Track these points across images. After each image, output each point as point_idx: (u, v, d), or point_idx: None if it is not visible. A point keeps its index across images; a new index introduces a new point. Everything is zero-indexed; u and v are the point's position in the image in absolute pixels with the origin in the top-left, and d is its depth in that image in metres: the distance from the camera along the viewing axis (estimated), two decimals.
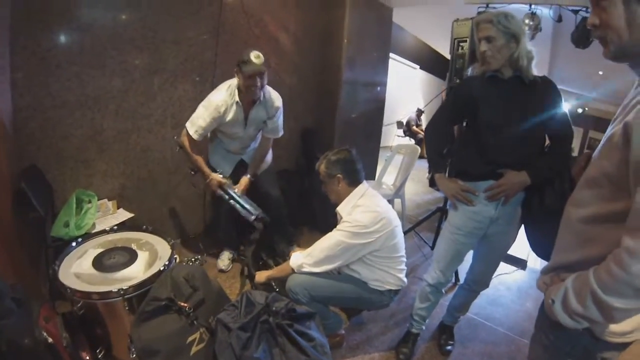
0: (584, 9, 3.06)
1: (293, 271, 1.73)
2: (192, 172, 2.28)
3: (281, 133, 2.42)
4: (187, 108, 2.60)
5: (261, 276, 1.84)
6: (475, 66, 1.71)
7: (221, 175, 2.25)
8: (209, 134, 2.28)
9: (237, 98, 2.12)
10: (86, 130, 2.21)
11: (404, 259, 1.85)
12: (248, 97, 2.12)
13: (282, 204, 2.58)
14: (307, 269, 1.70)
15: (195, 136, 2.12)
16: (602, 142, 0.88)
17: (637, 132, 0.72)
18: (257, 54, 2.00)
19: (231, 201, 2.24)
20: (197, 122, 2.11)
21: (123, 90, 2.29)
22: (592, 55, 4.19)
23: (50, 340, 1.28)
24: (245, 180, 2.33)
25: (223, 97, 2.11)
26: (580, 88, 8.90)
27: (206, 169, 2.21)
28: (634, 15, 0.74)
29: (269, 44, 2.97)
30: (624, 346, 0.90)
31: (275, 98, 2.28)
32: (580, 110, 9.97)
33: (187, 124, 2.14)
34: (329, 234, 1.71)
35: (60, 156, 2.15)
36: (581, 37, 3.19)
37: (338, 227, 1.71)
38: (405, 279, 1.84)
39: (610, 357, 0.92)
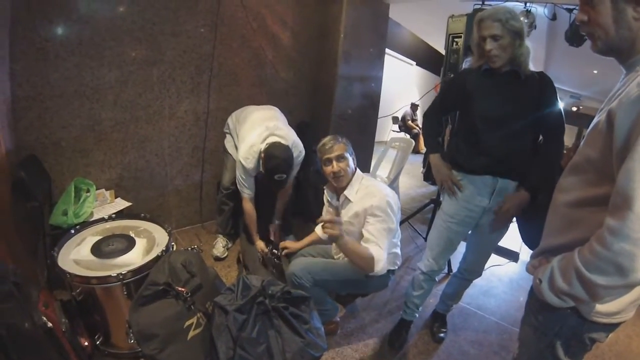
0: (578, 7, 3.10)
1: (370, 271, 1.61)
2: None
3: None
4: (184, 99, 2.64)
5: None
6: (469, 59, 1.74)
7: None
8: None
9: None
10: (84, 120, 2.23)
11: (400, 235, 1.88)
12: None
13: (290, 194, 2.63)
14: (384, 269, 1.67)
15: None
16: (587, 131, 0.92)
17: (619, 118, 0.75)
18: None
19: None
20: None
21: (121, 81, 2.31)
22: (586, 53, 4.23)
23: (49, 325, 1.29)
24: (274, 227, 2.46)
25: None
26: (574, 86, 8.98)
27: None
28: (621, 13, 0.78)
29: (266, 37, 2.99)
30: (611, 327, 0.93)
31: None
32: (574, 109, 10.04)
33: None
34: (374, 229, 1.64)
35: (58, 146, 2.17)
36: (575, 36, 3.23)
37: (372, 219, 1.66)
38: (400, 255, 1.88)
39: (597, 338, 0.95)
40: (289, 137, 2.24)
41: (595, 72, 6.71)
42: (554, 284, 0.85)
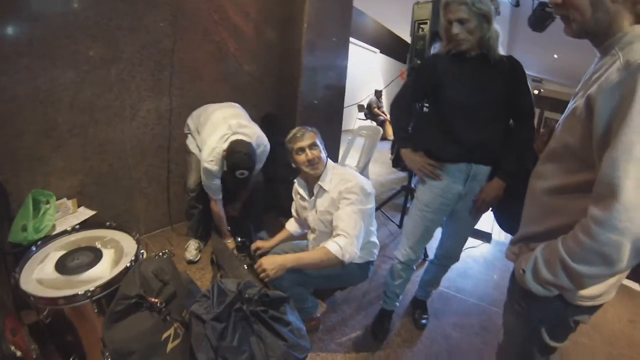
0: None
1: (341, 263, 1.56)
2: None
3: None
4: (145, 98, 2.51)
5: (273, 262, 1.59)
6: (437, 45, 1.73)
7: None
8: None
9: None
10: (39, 126, 2.07)
11: (376, 224, 1.88)
12: None
13: (262, 189, 2.63)
14: (358, 252, 1.61)
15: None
16: (563, 116, 0.90)
17: (599, 104, 0.74)
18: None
19: None
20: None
21: (77, 82, 2.16)
22: (547, 39, 4.39)
23: (18, 354, 1.22)
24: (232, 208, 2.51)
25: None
26: (536, 71, 9.30)
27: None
28: None
29: (228, 30, 2.89)
30: (594, 309, 0.95)
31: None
32: (536, 92, 10.42)
33: None
34: (344, 212, 1.62)
35: (13, 156, 2.01)
36: (538, 21, 3.31)
37: (344, 202, 1.64)
38: (378, 244, 1.88)
39: (581, 320, 0.96)
40: (253, 133, 2.22)
41: (555, 56, 6.96)
42: (539, 274, 0.84)
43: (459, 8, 1.48)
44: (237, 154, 2.01)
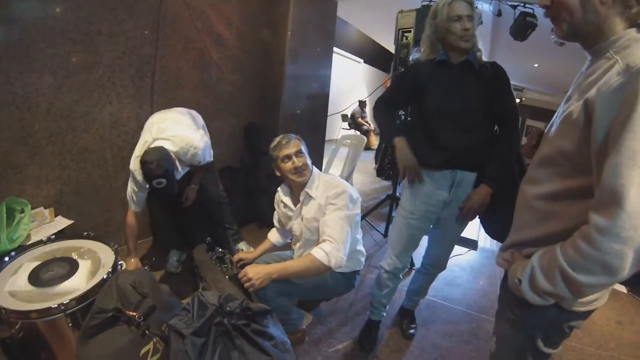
0: (522, 4, 3.25)
1: (328, 269, 1.54)
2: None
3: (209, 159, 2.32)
4: (125, 105, 2.45)
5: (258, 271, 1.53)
6: (417, 49, 1.72)
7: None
8: None
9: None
10: (15, 133, 1.99)
11: (361, 233, 1.85)
12: None
13: (223, 200, 2.57)
14: (345, 258, 1.57)
15: None
16: (557, 121, 0.88)
17: (599, 108, 0.72)
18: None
19: None
20: None
21: (55, 87, 2.09)
22: (528, 48, 4.49)
23: None
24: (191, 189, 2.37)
25: None
26: (517, 79, 9.51)
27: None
28: None
29: (211, 37, 2.86)
30: (588, 314, 0.93)
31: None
32: (517, 100, 10.65)
33: None
34: (330, 218, 1.60)
35: None
36: (519, 31, 3.39)
37: (331, 207, 1.62)
38: (364, 252, 1.85)
39: (576, 325, 0.95)
40: (178, 137, 2.05)
41: (536, 65, 7.12)
42: (536, 284, 0.81)
43: (465, 6, 1.50)
44: (144, 166, 1.89)
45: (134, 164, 2.01)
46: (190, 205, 2.40)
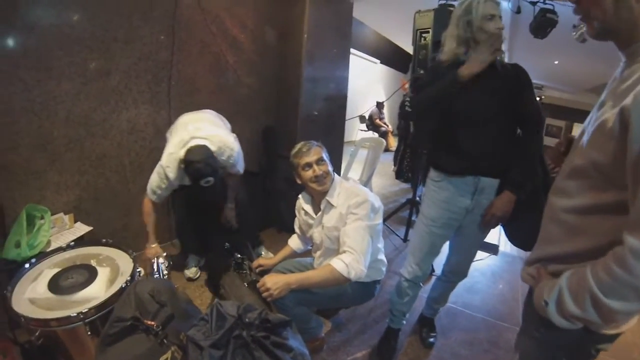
0: (542, 0, 3.15)
1: (348, 281, 1.51)
2: None
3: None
4: (142, 111, 2.47)
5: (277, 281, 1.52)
6: (439, 53, 1.67)
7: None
8: None
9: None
10: (34, 139, 2.02)
11: (383, 241, 1.81)
12: None
13: (247, 206, 2.54)
14: (365, 270, 1.53)
15: None
16: (590, 129, 0.81)
17: (635, 117, 0.66)
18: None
19: None
20: None
21: (73, 94, 2.11)
22: (548, 45, 4.38)
23: None
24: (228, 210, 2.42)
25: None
26: (537, 77, 9.30)
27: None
28: None
29: (226, 41, 2.86)
30: (616, 336, 0.88)
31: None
32: (537, 99, 10.44)
33: None
34: (350, 228, 1.56)
35: (7, 170, 1.95)
36: (539, 28, 3.29)
37: (352, 217, 1.58)
38: (386, 261, 1.81)
39: (603, 348, 0.89)
40: (215, 137, 2.06)
41: (556, 62, 6.94)
42: (564, 307, 0.76)
43: (495, 6, 1.47)
44: (192, 165, 1.89)
45: (167, 160, 2.00)
46: (211, 211, 2.41)
